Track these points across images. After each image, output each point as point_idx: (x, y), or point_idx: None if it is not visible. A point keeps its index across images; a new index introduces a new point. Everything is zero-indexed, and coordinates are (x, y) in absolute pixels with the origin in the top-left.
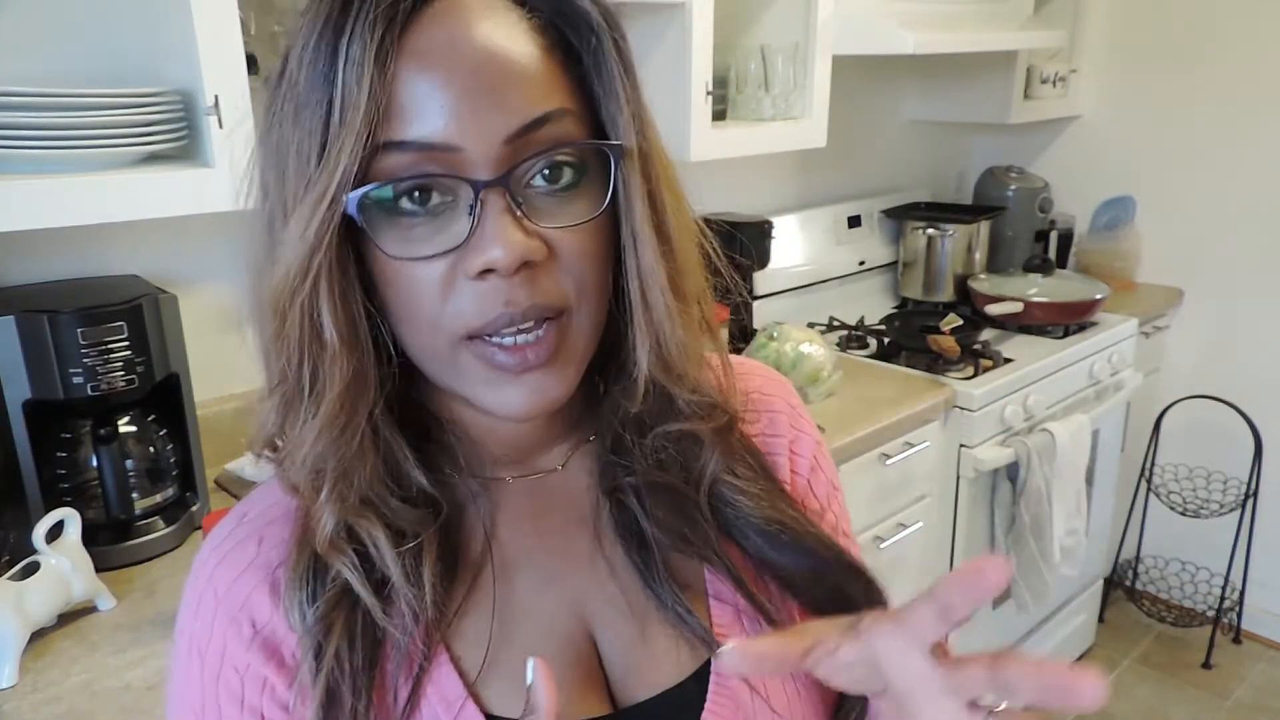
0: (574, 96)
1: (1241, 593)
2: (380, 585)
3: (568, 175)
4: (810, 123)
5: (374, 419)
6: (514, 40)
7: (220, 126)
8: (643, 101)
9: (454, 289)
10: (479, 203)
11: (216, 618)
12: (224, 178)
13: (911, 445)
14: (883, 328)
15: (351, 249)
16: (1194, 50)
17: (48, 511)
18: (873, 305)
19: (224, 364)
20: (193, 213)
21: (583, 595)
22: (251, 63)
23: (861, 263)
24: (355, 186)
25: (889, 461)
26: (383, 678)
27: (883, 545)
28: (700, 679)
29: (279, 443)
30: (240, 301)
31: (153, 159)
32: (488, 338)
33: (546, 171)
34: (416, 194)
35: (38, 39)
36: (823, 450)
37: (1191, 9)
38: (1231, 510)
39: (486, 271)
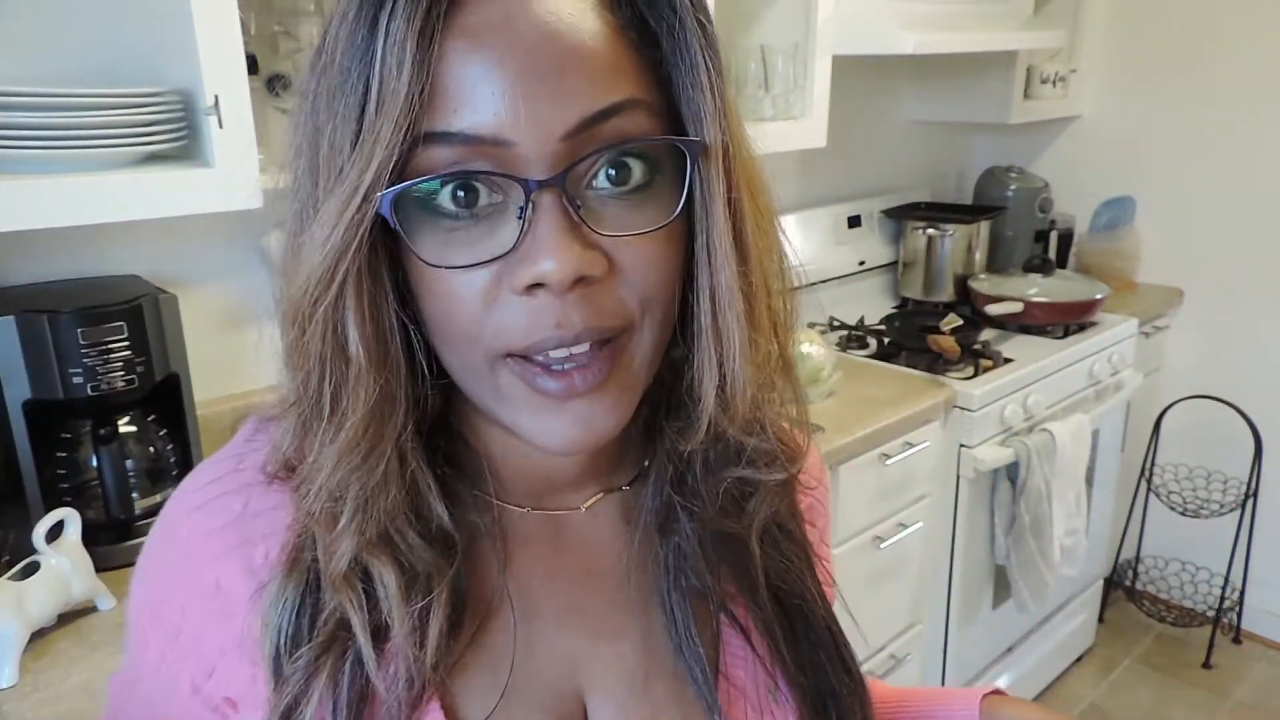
0: (648, 85)
1: (1241, 593)
2: (378, 630)
3: (637, 174)
4: (810, 123)
5: (401, 445)
6: (580, 18)
7: (220, 126)
8: (727, 93)
9: (498, 302)
10: (530, 205)
11: (182, 564)
12: (224, 178)
13: (911, 445)
14: (883, 328)
15: (385, 252)
16: (1194, 50)
17: (48, 511)
18: (873, 305)
19: (224, 364)
20: (193, 213)
21: (581, 655)
22: (252, 63)
23: (861, 263)
24: (391, 183)
25: (889, 461)
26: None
27: (883, 545)
28: None
29: (295, 465)
30: (272, 303)
31: (153, 159)
32: (532, 357)
33: (613, 171)
34: (461, 193)
35: (38, 39)
36: (828, 521)
37: (1191, 9)
38: (1231, 510)
39: (535, 286)
